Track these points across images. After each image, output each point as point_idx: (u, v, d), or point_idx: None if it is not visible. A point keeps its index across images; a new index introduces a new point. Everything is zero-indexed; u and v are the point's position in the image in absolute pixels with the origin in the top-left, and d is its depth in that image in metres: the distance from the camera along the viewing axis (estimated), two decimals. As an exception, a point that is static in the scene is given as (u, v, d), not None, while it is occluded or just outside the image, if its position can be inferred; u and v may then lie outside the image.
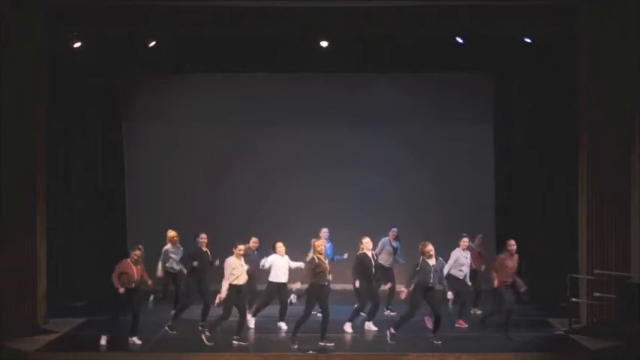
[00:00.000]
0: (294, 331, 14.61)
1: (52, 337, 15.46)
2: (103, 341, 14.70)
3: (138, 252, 14.68)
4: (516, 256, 15.23)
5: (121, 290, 14.43)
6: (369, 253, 15.64)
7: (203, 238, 15.97)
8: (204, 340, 14.52)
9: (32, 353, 14.41)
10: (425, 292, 14.57)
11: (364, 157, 19.98)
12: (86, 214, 19.19)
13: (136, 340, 14.80)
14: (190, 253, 16.06)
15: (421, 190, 20.05)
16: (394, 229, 17.20)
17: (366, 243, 15.65)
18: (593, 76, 15.81)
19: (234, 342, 14.60)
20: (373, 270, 15.60)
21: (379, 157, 19.97)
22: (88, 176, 19.39)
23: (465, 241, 16.24)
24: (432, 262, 14.51)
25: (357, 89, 19.83)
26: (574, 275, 15.98)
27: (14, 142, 15.66)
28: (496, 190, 19.90)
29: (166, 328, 15.76)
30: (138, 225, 19.79)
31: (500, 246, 18.68)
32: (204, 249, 15.97)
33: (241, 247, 14.76)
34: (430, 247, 14.58)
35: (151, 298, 17.06)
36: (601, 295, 15.42)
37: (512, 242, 15.23)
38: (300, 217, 18.38)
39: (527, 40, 17.49)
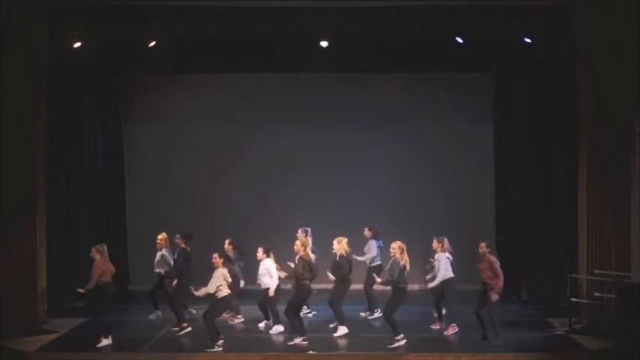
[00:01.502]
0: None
1: (52, 337, 15.48)
2: (102, 342, 14.78)
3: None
4: (486, 260, 14.81)
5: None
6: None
7: (177, 239, 16.23)
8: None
9: (32, 353, 14.42)
10: (403, 293, 14.66)
11: (364, 157, 19.96)
12: (86, 214, 19.18)
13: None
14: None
15: (421, 190, 20.04)
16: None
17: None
18: (593, 77, 15.81)
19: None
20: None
21: (379, 157, 19.96)
22: (88, 176, 19.37)
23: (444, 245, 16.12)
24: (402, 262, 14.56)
25: (357, 89, 19.81)
26: (574, 275, 15.99)
27: (14, 142, 15.66)
28: (496, 190, 19.87)
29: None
30: (138, 225, 19.79)
31: (500, 246, 18.77)
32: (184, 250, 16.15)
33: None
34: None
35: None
36: (601, 295, 15.42)
37: (481, 244, 14.95)
38: (300, 217, 18.33)
39: (527, 40, 17.47)
